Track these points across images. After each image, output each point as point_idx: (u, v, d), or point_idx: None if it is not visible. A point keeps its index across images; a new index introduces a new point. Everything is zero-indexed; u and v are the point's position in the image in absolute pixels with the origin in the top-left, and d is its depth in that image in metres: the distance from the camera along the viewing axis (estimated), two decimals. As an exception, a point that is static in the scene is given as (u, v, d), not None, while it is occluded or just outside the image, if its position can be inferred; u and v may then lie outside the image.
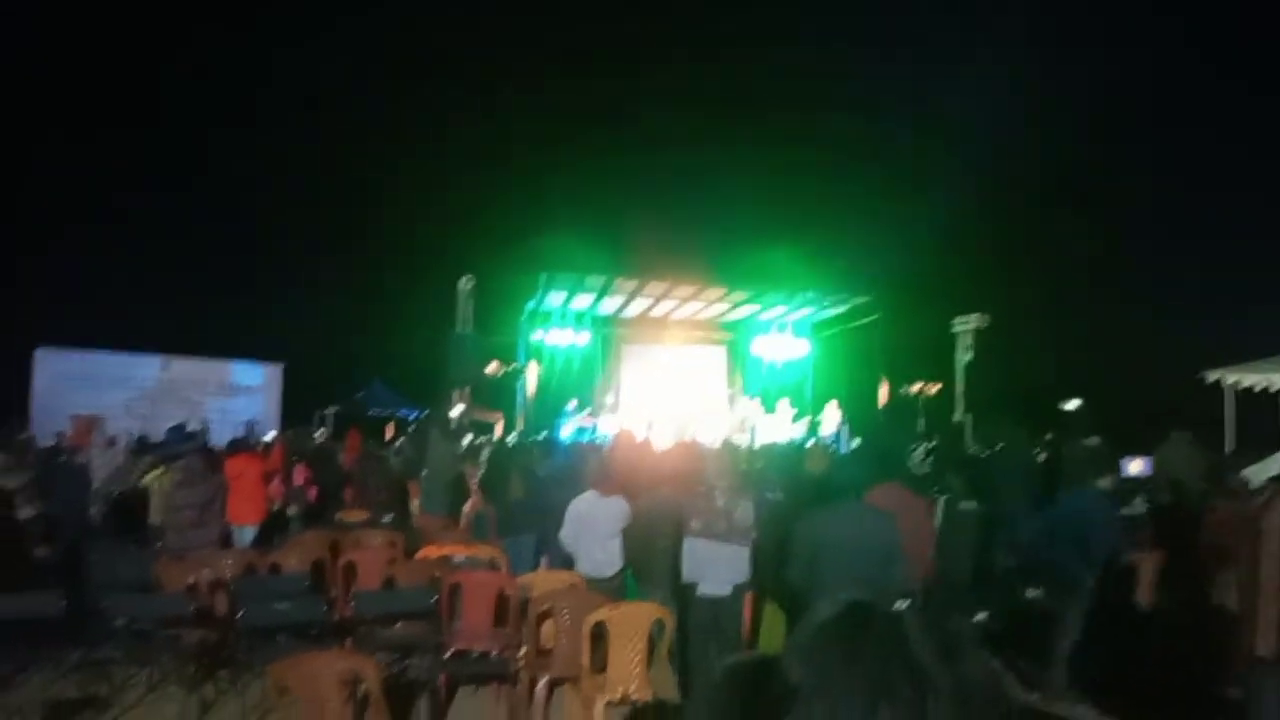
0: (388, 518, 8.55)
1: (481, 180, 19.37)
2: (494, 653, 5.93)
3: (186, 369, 18.89)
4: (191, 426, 12.43)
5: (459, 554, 6.60)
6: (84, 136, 17.24)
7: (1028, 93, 18.45)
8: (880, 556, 4.76)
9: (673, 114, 20.48)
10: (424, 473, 9.18)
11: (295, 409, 19.49)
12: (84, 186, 17.62)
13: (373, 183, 19.29)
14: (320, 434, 14.14)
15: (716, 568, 5.67)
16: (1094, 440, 8.83)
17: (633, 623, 5.29)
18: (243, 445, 8.87)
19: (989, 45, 19.36)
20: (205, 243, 18.48)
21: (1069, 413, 11.05)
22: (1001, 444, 8.31)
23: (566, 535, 6.65)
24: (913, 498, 6.07)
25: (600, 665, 5.24)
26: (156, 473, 8.96)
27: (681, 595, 5.82)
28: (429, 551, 6.91)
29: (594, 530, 6.54)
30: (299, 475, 9.10)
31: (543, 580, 6.27)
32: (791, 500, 6.43)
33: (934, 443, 8.23)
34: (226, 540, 7.88)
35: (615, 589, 6.35)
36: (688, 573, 5.74)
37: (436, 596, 5.80)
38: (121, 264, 17.75)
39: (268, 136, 18.32)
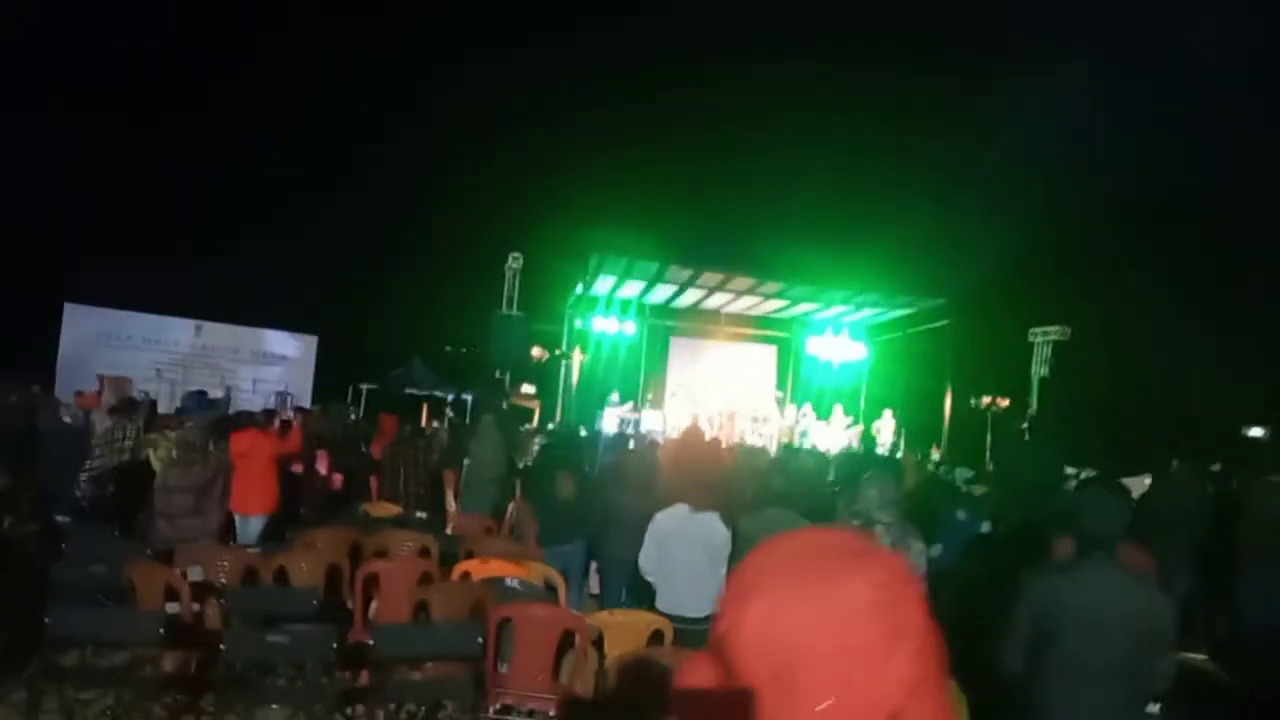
0: (420, 515, 6.99)
1: (533, 155, 17.73)
2: (551, 712, 4.34)
3: (220, 334, 17.50)
4: (215, 393, 10.99)
5: (510, 576, 4.99)
6: (130, 103, 15.80)
7: (1119, 96, 16.55)
8: (1144, 642, 3.10)
9: (738, 102, 18.74)
10: (466, 463, 7.63)
11: (329, 383, 18.04)
12: (131, 152, 16.18)
13: (420, 155, 17.74)
14: (350, 412, 12.59)
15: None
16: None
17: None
18: (250, 418, 7.30)
19: (1076, 49, 17.56)
20: (243, 208, 16.99)
21: (1254, 443, 9.30)
22: (1158, 479, 6.60)
23: (647, 561, 5.04)
24: (1143, 558, 4.37)
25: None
26: (163, 444, 7.46)
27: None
28: (472, 568, 5.32)
29: (686, 557, 4.93)
30: (321, 461, 7.57)
31: (619, 623, 4.64)
32: (1003, 548, 4.75)
33: (1086, 474, 6.50)
34: (228, 532, 6.34)
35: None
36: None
37: (482, 638, 4.20)
38: (158, 224, 16.33)
39: (312, 109, 16.84)
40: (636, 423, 16.71)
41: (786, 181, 17.80)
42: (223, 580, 5.20)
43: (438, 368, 20.49)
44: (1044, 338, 15.77)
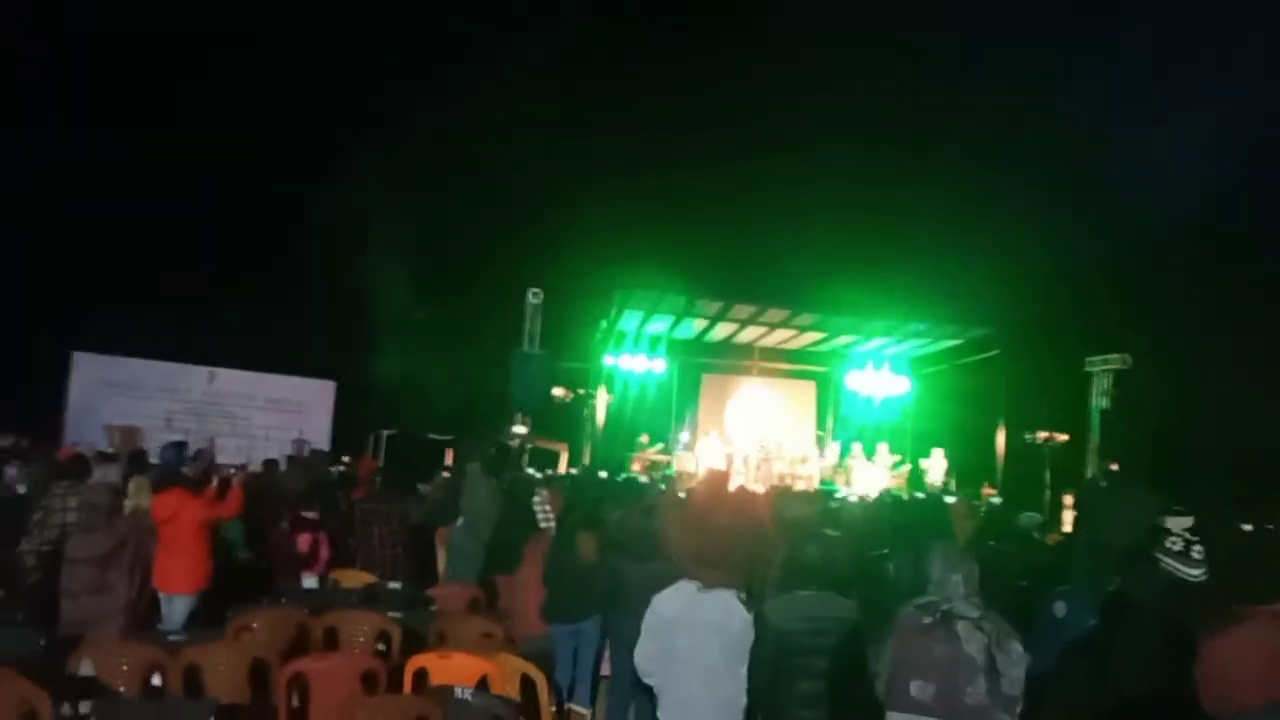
0: (393, 584, 5.82)
1: (553, 186, 16.75)
2: None
3: (234, 381, 16.62)
4: (199, 445, 9.98)
5: (464, 683, 3.79)
6: (138, 137, 15.14)
7: (1173, 111, 15.18)
8: None
9: (767, 128, 17.65)
10: (459, 522, 6.47)
11: (348, 428, 17.07)
12: (140, 194, 15.51)
13: (437, 189, 16.83)
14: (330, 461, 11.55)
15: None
16: None
17: None
18: (175, 476, 6.13)
19: (1126, 66, 16.33)
20: (256, 251, 16.18)
21: None
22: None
23: (645, 658, 3.83)
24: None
25: None
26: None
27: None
28: (429, 663, 4.14)
29: (697, 651, 3.70)
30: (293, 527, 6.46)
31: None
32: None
33: (1195, 520, 5.19)
34: (150, 615, 5.23)
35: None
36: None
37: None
38: (169, 269, 15.57)
39: (323, 145, 16.03)
40: (667, 467, 15.54)
41: (820, 208, 16.60)
42: (120, 683, 4.08)
43: (464, 409, 19.43)
44: (1103, 367, 14.31)
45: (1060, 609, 3.98)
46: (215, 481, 5.96)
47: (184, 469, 7.69)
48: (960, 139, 16.56)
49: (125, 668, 4.12)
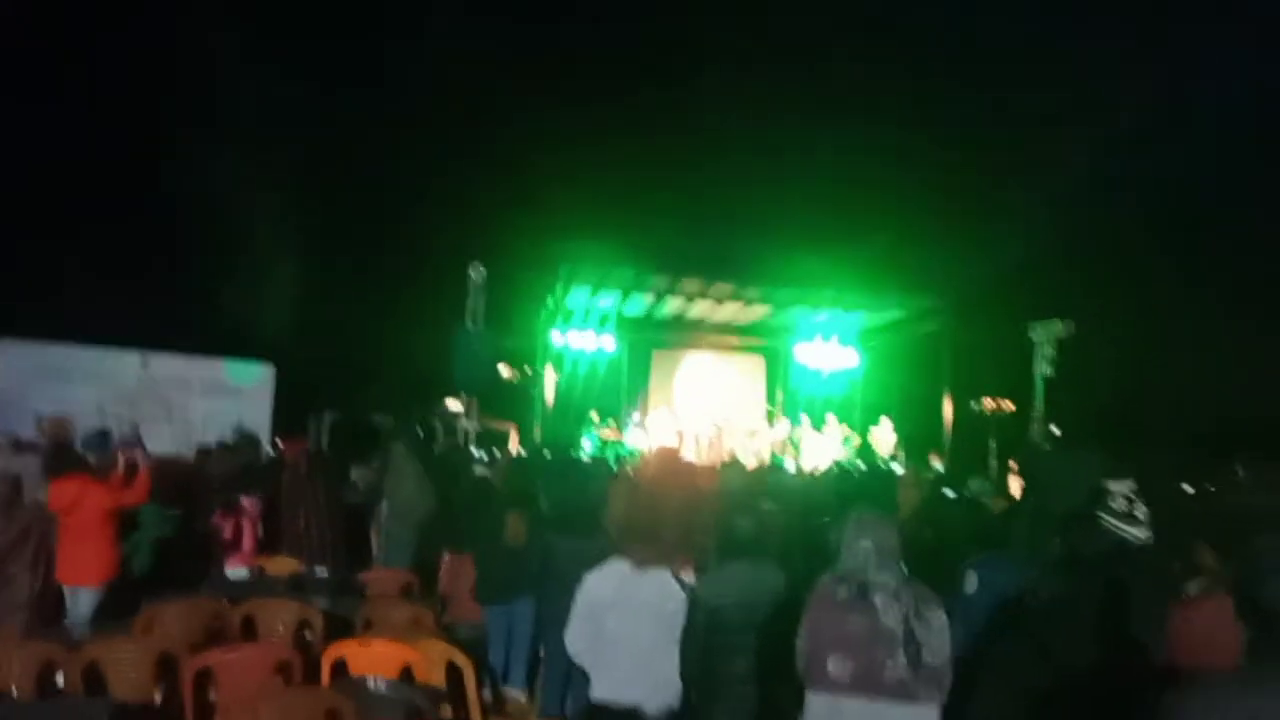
0: (321, 571, 5.56)
1: (495, 156, 16.35)
2: None
3: (169, 366, 15.97)
4: (124, 431, 9.51)
5: (380, 672, 3.56)
6: (67, 112, 14.43)
7: (1123, 83, 15.26)
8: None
9: (714, 99, 17.40)
10: (383, 506, 6.21)
11: (288, 413, 16.55)
12: (65, 169, 14.79)
13: (376, 162, 16.32)
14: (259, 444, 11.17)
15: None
16: None
17: None
18: (75, 460, 5.72)
19: (1072, 45, 16.40)
20: (187, 229, 15.56)
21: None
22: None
23: (576, 640, 3.63)
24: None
25: None
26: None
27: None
28: (349, 652, 3.90)
29: (630, 633, 3.52)
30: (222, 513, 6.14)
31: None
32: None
33: (1137, 481, 5.13)
34: (56, 610, 4.91)
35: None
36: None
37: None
38: (94, 252, 14.90)
39: (257, 117, 15.41)
40: (620, 444, 15.36)
41: (766, 181, 16.49)
42: (14, 683, 3.79)
43: (411, 391, 19.02)
44: (1045, 334, 14.39)
45: (971, 583, 3.83)
46: (121, 465, 5.61)
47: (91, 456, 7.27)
48: (903, 110, 16.51)
49: (18, 668, 3.82)
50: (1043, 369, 14.69)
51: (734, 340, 17.98)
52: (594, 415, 15.84)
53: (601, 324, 15.97)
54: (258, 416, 16.25)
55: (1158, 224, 15.11)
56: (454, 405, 13.36)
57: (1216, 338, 14.14)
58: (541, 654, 5.14)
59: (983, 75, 16.60)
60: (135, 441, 8.82)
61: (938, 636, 2.71)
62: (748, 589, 3.41)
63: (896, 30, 16.88)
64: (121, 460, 5.63)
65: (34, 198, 14.88)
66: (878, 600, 2.73)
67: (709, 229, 16.21)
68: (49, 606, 4.90)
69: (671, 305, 16.48)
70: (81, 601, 5.03)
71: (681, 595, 3.56)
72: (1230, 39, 14.25)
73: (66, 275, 14.48)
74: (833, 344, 16.53)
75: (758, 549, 3.58)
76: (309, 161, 15.07)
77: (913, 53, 16.67)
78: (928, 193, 15.69)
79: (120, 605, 4.90)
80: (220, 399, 16.33)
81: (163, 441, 13.39)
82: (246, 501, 6.12)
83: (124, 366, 15.71)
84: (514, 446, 15.86)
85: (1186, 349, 14.38)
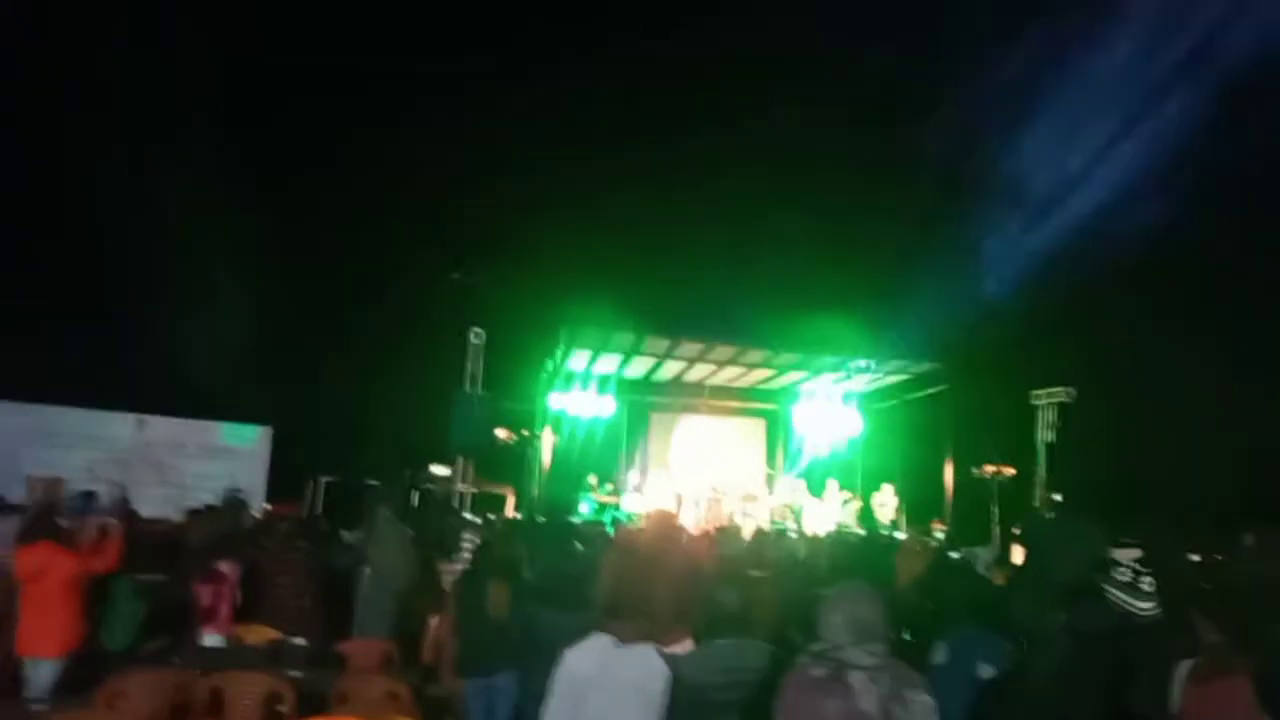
0: (299, 640, 5.34)
1: (494, 220, 16.43)
2: None
3: (164, 429, 15.88)
4: (113, 493, 9.38)
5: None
6: (53, 169, 14.55)
7: (1124, 148, 15.33)
8: None
9: (714, 162, 17.58)
10: (366, 573, 6.01)
11: (284, 476, 16.38)
12: (56, 229, 14.87)
13: (376, 226, 16.43)
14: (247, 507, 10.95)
15: None
16: None
17: None
18: (50, 527, 5.51)
19: (1071, 101, 16.52)
20: (184, 290, 15.57)
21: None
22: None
23: (555, 719, 3.43)
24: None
25: None
26: None
27: None
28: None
29: (607, 712, 3.32)
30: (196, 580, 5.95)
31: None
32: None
33: (1143, 551, 4.96)
34: (11, 684, 4.70)
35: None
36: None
37: None
38: (90, 313, 14.90)
39: (250, 180, 15.52)
40: (616, 508, 15.13)
41: (767, 244, 16.54)
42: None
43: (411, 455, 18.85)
44: (1048, 400, 14.27)
45: (940, 654, 3.62)
46: (94, 531, 5.44)
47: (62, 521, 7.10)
48: (907, 173, 16.63)
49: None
50: (1045, 435, 14.58)
51: (734, 403, 17.86)
52: (592, 479, 15.64)
53: (602, 387, 15.88)
54: (253, 479, 16.08)
55: (1161, 290, 15.05)
56: (440, 470, 13.16)
57: (1221, 405, 13.97)
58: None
59: (987, 138, 16.73)
60: (122, 504, 8.72)
61: (919, 720, 2.52)
62: (732, 664, 3.23)
63: (902, 91, 17.07)
64: (94, 527, 5.45)
65: (19, 254, 14.91)
66: (854, 681, 2.55)
67: (709, 293, 16.23)
68: (6, 679, 4.69)
69: (671, 369, 16.41)
70: (41, 674, 4.82)
71: (666, 673, 3.36)
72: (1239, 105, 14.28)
73: (59, 336, 14.41)
74: (834, 408, 16.39)
75: (743, 622, 3.40)
76: (309, 225, 15.15)
77: (920, 114, 16.81)
78: (930, 257, 15.69)
79: (84, 676, 4.68)
80: (215, 461, 16.19)
81: (154, 504, 13.25)
82: (225, 567, 5.92)
83: (118, 428, 15.63)
84: (510, 510, 15.65)
85: (1191, 415, 14.20)
